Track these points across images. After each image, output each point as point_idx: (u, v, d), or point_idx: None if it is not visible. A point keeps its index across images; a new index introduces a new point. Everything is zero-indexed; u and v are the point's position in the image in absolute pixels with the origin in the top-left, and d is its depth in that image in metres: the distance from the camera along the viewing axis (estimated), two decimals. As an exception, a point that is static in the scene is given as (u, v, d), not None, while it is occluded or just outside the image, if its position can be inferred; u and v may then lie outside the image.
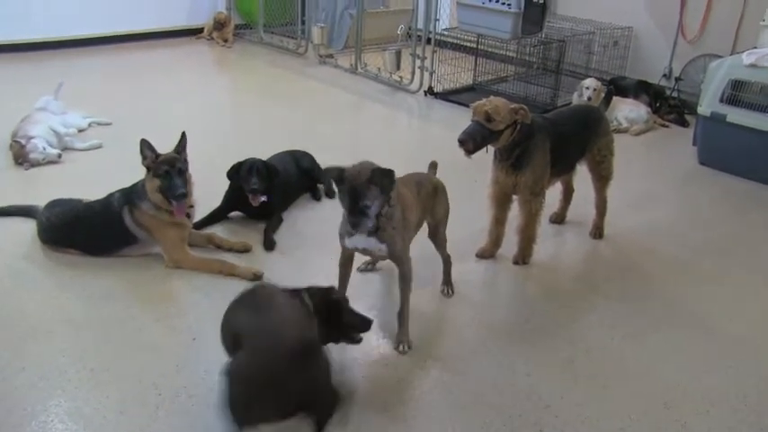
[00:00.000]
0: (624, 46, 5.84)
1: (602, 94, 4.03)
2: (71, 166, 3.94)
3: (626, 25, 5.78)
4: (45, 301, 2.64)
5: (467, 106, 3.03)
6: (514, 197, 3.01)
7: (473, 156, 2.77)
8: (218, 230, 3.25)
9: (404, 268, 2.38)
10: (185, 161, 2.85)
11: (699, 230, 3.54)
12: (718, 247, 3.35)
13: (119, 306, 2.63)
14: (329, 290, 2.16)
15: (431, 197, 2.58)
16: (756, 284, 3.03)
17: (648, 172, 4.32)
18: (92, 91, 5.33)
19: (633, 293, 2.89)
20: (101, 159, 4.06)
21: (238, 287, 2.74)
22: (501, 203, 3.01)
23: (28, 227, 3.12)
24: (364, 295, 2.76)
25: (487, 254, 3.11)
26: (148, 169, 2.81)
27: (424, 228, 2.65)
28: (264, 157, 3.41)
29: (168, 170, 2.76)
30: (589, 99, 4.77)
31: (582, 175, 3.31)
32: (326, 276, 2.51)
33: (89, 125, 4.53)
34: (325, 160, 3.81)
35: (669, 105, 5.35)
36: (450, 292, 2.80)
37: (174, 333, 2.47)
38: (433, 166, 2.78)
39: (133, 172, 2.97)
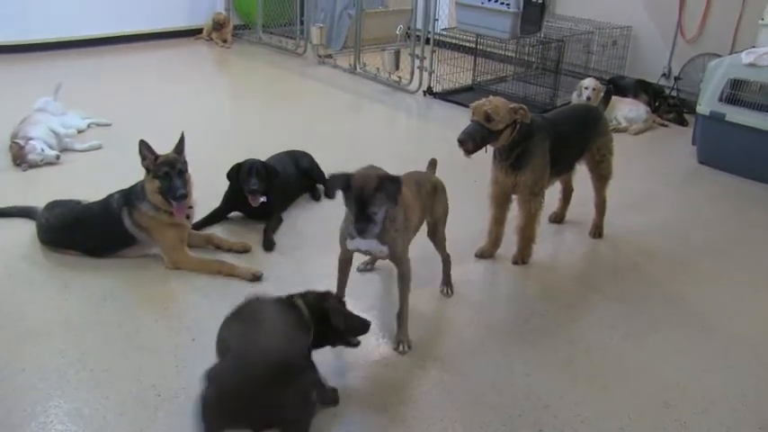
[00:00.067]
0: (623, 45, 5.84)
1: (602, 94, 4.03)
2: (70, 166, 3.94)
3: (625, 25, 5.79)
4: (44, 301, 2.64)
5: (466, 106, 3.04)
6: (514, 197, 3.01)
7: (472, 156, 2.77)
8: (217, 231, 3.25)
9: (403, 269, 2.38)
10: (185, 162, 2.85)
11: (698, 230, 3.54)
12: (717, 247, 3.36)
13: (118, 307, 2.63)
14: (325, 295, 2.16)
15: (430, 196, 2.58)
16: (756, 284, 3.03)
17: (648, 171, 4.32)
18: (91, 92, 5.33)
19: (632, 293, 2.89)
20: (100, 160, 4.07)
21: (238, 288, 2.77)
22: (500, 203, 3.01)
23: (27, 228, 3.12)
24: (363, 295, 2.76)
25: (487, 254, 3.12)
26: (148, 170, 2.82)
27: (424, 228, 2.65)
28: (264, 158, 3.41)
29: (168, 171, 2.76)
30: (588, 99, 4.77)
31: (581, 175, 3.31)
32: (326, 276, 2.51)
33: (88, 126, 4.53)
34: (324, 160, 3.82)
35: (668, 105, 5.35)
36: (449, 292, 2.80)
37: (174, 334, 2.48)
38: (433, 164, 2.78)
39: (132, 173, 2.98)
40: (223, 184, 3.34)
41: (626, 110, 5.05)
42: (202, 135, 4.35)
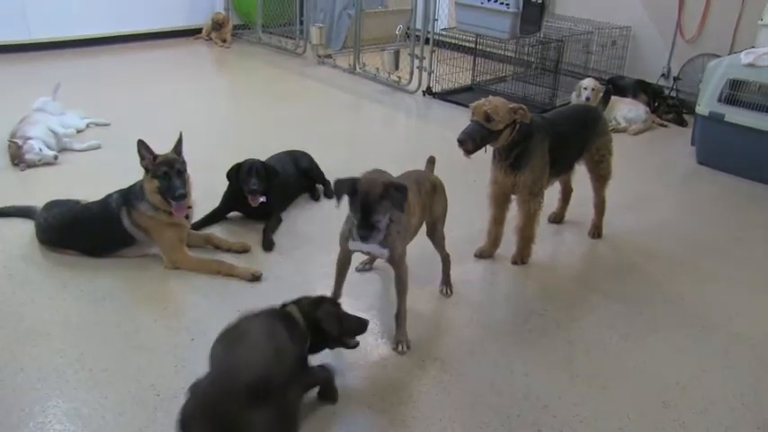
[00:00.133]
0: (622, 45, 5.84)
1: (601, 94, 4.03)
2: (69, 166, 3.94)
3: (624, 25, 5.79)
4: (43, 301, 2.64)
5: (465, 106, 3.04)
6: (513, 197, 3.01)
7: (472, 156, 2.76)
8: (216, 231, 3.25)
9: (400, 271, 2.39)
10: (183, 162, 2.85)
11: (697, 230, 3.54)
12: (716, 247, 3.36)
13: (117, 307, 2.63)
14: (319, 300, 2.16)
15: (430, 195, 2.58)
16: (755, 284, 3.03)
17: (647, 171, 4.33)
18: (90, 91, 5.33)
19: (632, 293, 2.90)
20: (99, 160, 4.06)
21: (237, 288, 2.77)
22: (500, 203, 3.01)
23: (26, 227, 3.12)
24: (363, 295, 2.76)
25: (486, 254, 3.12)
26: (147, 170, 2.81)
27: (423, 227, 2.65)
28: (263, 158, 3.41)
29: (167, 171, 2.76)
30: (587, 99, 4.77)
31: (581, 175, 3.31)
32: (326, 276, 2.51)
33: (87, 126, 4.53)
34: (323, 160, 3.82)
35: (667, 105, 5.36)
36: (448, 291, 2.80)
37: (173, 334, 2.47)
38: (431, 161, 2.78)
39: (131, 172, 2.97)
40: (222, 184, 3.33)
41: (625, 110, 5.05)
42: (202, 135, 4.35)
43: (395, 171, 2.51)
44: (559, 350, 2.48)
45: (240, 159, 3.28)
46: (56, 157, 3.92)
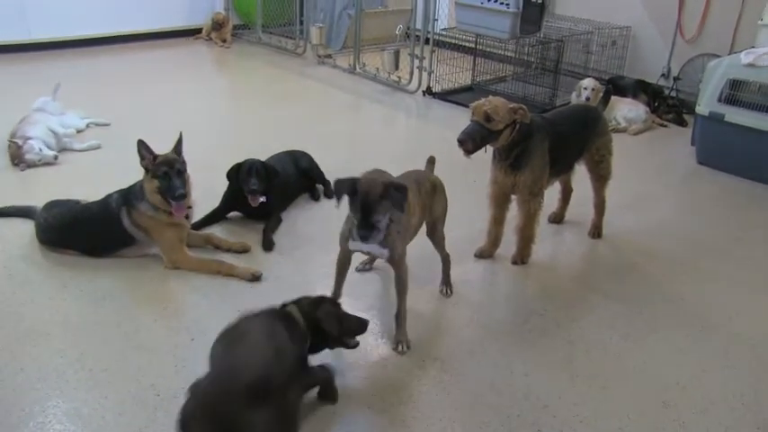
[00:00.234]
0: (622, 46, 5.84)
1: (601, 94, 4.03)
2: (70, 166, 3.94)
3: (624, 25, 5.79)
4: (43, 301, 2.64)
5: (465, 106, 3.04)
6: (513, 197, 3.01)
7: (472, 156, 2.76)
8: (216, 231, 3.25)
9: (400, 271, 2.39)
10: (183, 162, 2.85)
11: (697, 230, 3.54)
12: (716, 247, 3.36)
13: (117, 307, 2.63)
14: (319, 300, 2.17)
15: (430, 195, 2.58)
16: (755, 284, 3.03)
17: (647, 171, 4.33)
18: (90, 91, 5.33)
19: (632, 293, 2.90)
20: (99, 160, 4.06)
21: (237, 288, 2.77)
22: (500, 203, 3.01)
23: (26, 228, 3.12)
24: (363, 295, 2.76)
25: (486, 254, 3.11)
26: (147, 170, 2.81)
27: (423, 228, 2.65)
28: (263, 158, 3.41)
29: (167, 171, 2.76)
30: (587, 99, 4.77)
31: (580, 175, 3.31)
32: (326, 276, 2.51)
33: (87, 126, 4.53)
34: (323, 160, 3.82)
35: (667, 105, 5.36)
36: (448, 291, 2.80)
37: (173, 333, 2.47)
38: (431, 161, 2.78)
39: (131, 172, 2.97)
40: (222, 184, 3.33)
41: (625, 110, 5.05)
42: (202, 135, 4.35)
43: (395, 171, 2.51)
44: (559, 350, 2.48)
45: (240, 159, 3.28)
46: (56, 158, 3.92)
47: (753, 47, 4.35)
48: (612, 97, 4.44)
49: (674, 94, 5.54)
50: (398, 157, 4.09)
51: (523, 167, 2.84)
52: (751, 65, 4.05)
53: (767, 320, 2.74)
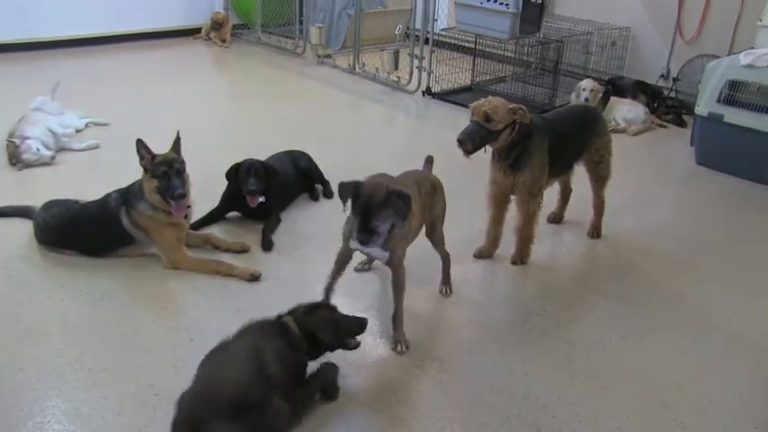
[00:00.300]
0: (622, 46, 5.85)
1: (600, 95, 4.03)
2: (68, 166, 3.94)
3: (624, 25, 5.79)
4: (42, 301, 2.63)
5: (465, 106, 3.04)
6: (512, 197, 3.00)
7: (471, 156, 2.76)
8: (215, 231, 3.24)
9: (398, 274, 2.39)
10: (183, 161, 2.85)
11: (696, 230, 3.55)
12: (715, 247, 3.36)
13: (116, 306, 2.62)
14: (315, 307, 2.18)
15: (430, 196, 2.58)
16: (754, 284, 3.03)
17: (646, 172, 4.33)
18: (89, 91, 5.33)
19: (631, 293, 2.90)
20: (98, 160, 4.06)
21: (236, 288, 2.77)
22: (499, 203, 3.01)
23: (25, 227, 3.12)
24: (362, 295, 2.76)
25: (485, 254, 3.11)
26: (146, 170, 2.81)
27: (423, 228, 2.65)
28: (262, 158, 3.41)
29: (166, 171, 2.76)
30: (586, 100, 4.77)
31: (580, 176, 3.32)
32: (325, 276, 2.51)
33: (86, 125, 4.52)
34: (323, 160, 3.81)
35: (667, 106, 5.36)
36: (448, 291, 2.80)
37: (172, 334, 2.47)
38: (429, 161, 2.77)
39: (130, 172, 2.97)
40: (221, 184, 3.33)
41: (624, 111, 5.06)
42: (201, 135, 4.35)
43: (394, 171, 2.51)
44: (559, 350, 2.48)
45: (239, 159, 3.27)
46: (53, 158, 3.91)
47: (752, 48, 4.36)
48: (612, 98, 4.44)
49: (673, 94, 5.54)
50: (398, 157, 4.09)
51: (523, 168, 2.84)
52: (750, 66, 4.05)
53: (766, 321, 2.75)
